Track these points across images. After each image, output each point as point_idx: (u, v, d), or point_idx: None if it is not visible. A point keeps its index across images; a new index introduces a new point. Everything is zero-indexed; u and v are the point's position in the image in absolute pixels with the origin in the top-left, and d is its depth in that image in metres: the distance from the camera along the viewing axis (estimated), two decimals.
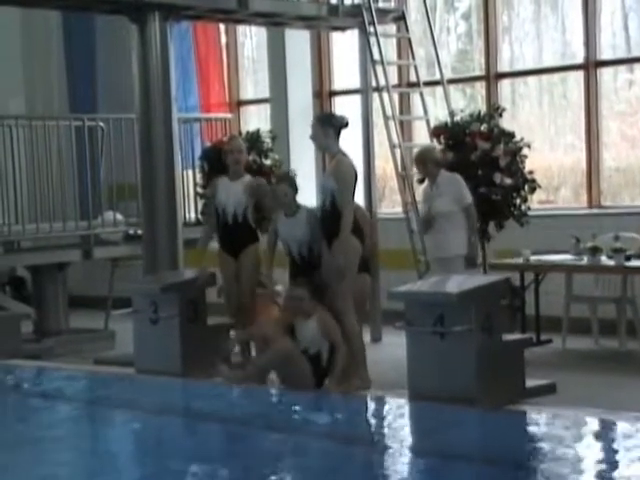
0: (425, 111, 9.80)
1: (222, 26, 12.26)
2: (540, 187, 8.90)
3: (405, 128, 10.68)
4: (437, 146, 8.72)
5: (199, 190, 10.32)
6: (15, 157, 9.74)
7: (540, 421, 6.08)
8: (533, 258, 8.66)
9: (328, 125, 7.19)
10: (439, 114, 10.14)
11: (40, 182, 10.06)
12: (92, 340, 9.99)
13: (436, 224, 8.18)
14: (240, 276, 7.93)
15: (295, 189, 7.39)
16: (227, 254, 7.93)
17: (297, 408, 6.63)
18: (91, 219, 10.04)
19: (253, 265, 7.85)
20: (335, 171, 7.11)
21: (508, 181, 8.50)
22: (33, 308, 10.17)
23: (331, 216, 7.08)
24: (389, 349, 8.62)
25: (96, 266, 10.99)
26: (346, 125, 7.27)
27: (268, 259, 7.53)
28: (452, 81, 10.53)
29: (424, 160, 8.19)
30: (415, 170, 8.63)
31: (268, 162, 9.68)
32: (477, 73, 10.89)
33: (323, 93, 11.68)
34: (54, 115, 11.85)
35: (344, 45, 11.25)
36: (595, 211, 9.91)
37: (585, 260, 8.41)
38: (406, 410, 6.61)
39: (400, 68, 11.02)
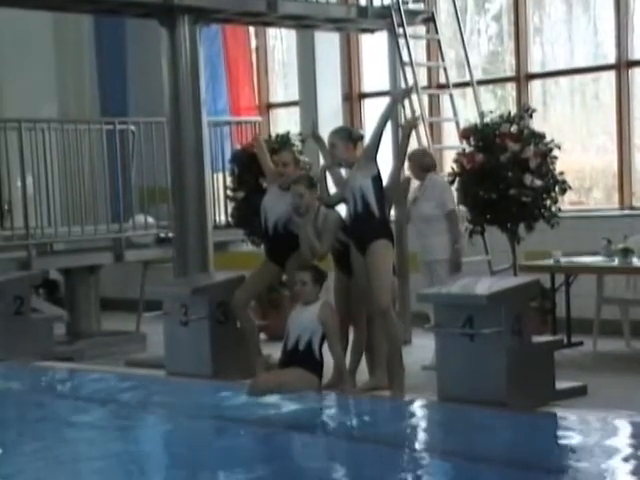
0: (455, 113, 9.78)
1: (252, 29, 12.30)
2: (571, 188, 8.85)
3: (435, 130, 10.67)
4: (426, 149, 8.82)
5: (229, 193, 10.35)
6: (48, 160, 9.82)
7: (571, 423, 6.04)
8: (564, 260, 8.62)
9: (348, 140, 7.22)
10: (469, 116, 10.11)
11: (72, 185, 10.14)
12: (123, 342, 10.05)
13: (419, 227, 8.31)
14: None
15: (313, 189, 7.43)
16: (272, 262, 7.88)
17: (325, 410, 6.64)
18: (122, 222, 10.11)
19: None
20: (358, 162, 7.10)
21: (538, 182, 8.45)
22: (65, 310, 10.24)
23: (365, 217, 7.03)
24: (419, 351, 8.61)
25: (127, 269, 11.04)
26: (362, 138, 7.34)
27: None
28: (482, 82, 10.50)
29: (413, 163, 8.27)
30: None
31: None
32: (508, 74, 10.85)
33: (353, 95, 11.68)
34: (86, 118, 11.95)
35: (373, 47, 11.24)
36: (627, 212, 9.85)
37: (616, 262, 8.35)
38: (436, 412, 6.60)
39: (430, 70, 11.01)
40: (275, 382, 6.93)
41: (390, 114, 7.25)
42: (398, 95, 8.31)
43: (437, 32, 10.10)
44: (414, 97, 9.37)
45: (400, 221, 8.90)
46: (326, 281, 7.19)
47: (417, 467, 5.49)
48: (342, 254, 7.38)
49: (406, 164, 8.16)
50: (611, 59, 10.07)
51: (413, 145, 9.65)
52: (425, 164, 8.36)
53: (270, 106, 12.59)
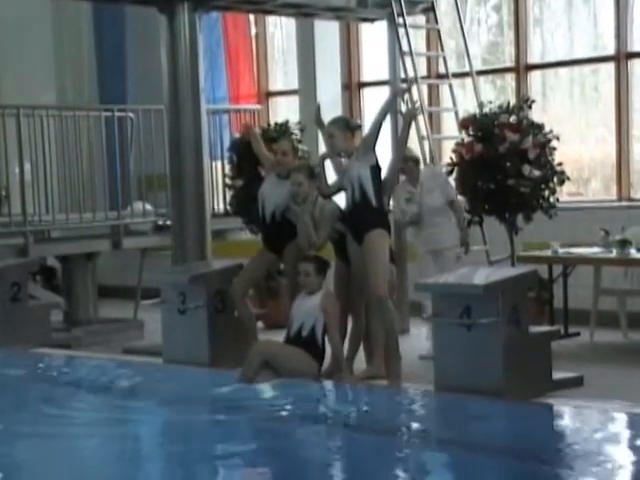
0: (454, 103, 9.77)
1: (252, 17, 12.28)
2: (569, 179, 8.84)
3: (434, 120, 10.66)
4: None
5: (228, 181, 10.35)
6: (46, 147, 9.80)
7: (567, 414, 6.06)
8: (562, 251, 8.63)
9: (346, 129, 7.23)
10: (469, 106, 10.10)
11: (70, 172, 10.12)
12: (121, 330, 10.05)
13: (428, 219, 8.33)
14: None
15: (313, 180, 7.43)
16: (269, 251, 7.89)
17: (322, 398, 6.65)
18: (120, 209, 10.11)
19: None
20: (357, 152, 7.10)
21: (537, 173, 8.45)
22: (63, 298, 10.25)
23: (362, 206, 7.04)
24: (416, 340, 8.62)
25: (125, 256, 11.05)
26: (359, 127, 7.36)
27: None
28: (481, 72, 10.50)
29: (404, 159, 8.24)
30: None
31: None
32: (507, 65, 10.84)
33: (352, 84, 11.67)
34: (84, 105, 11.93)
35: (373, 36, 11.23)
36: (624, 204, 9.86)
37: (614, 253, 8.37)
38: (432, 401, 6.61)
39: (429, 60, 11.00)
40: (276, 350, 6.97)
41: (390, 108, 7.26)
42: (399, 90, 8.32)
43: (437, 22, 10.09)
44: (413, 87, 9.36)
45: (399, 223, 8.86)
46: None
47: (413, 456, 5.50)
48: (340, 243, 7.39)
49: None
50: (610, 50, 10.06)
51: (413, 134, 9.68)
52: (418, 158, 8.44)
53: (269, 94, 12.58)
